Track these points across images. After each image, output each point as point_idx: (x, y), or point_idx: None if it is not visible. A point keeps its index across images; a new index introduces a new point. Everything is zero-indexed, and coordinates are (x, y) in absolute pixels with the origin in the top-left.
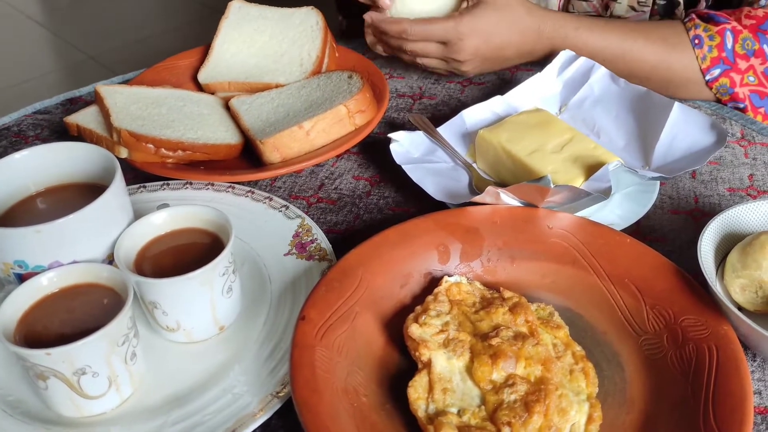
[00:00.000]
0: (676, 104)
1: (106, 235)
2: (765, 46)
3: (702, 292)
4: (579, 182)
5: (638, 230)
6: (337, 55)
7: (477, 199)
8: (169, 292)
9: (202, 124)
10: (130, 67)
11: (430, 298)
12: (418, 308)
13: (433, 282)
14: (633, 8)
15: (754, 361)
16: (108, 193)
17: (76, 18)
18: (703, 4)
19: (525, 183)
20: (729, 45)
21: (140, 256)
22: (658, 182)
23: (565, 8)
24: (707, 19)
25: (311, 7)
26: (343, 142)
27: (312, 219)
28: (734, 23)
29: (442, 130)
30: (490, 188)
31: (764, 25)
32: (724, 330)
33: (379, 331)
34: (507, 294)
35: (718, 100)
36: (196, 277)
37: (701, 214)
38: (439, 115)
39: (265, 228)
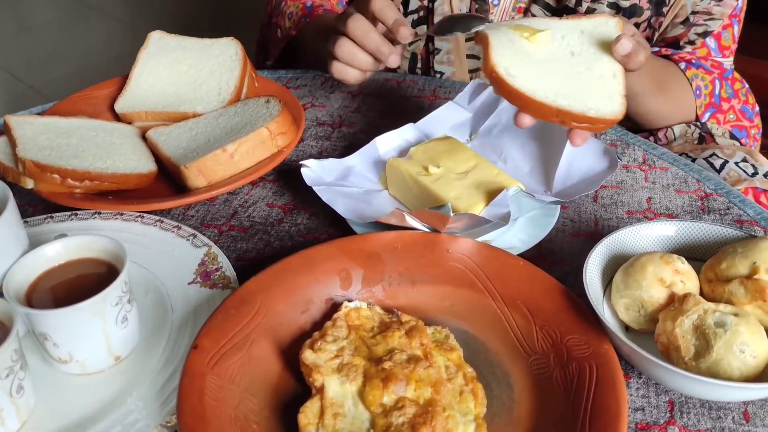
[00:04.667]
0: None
1: None
2: (737, 89)
3: (587, 312)
4: (480, 207)
5: (539, 253)
6: (256, 84)
7: (383, 219)
8: (58, 323)
9: (112, 153)
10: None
11: (328, 323)
12: (316, 334)
13: (335, 308)
14: None
15: (640, 378)
16: None
17: (20, 47)
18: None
19: (427, 209)
20: (717, 91)
21: (32, 288)
22: (559, 206)
23: None
24: (697, 66)
25: (231, 38)
26: (267, 163)
27: (222, 247)
28: (717, 71)
29: (356, 156)
30: (395, 210)
31: (726, 74)
32: (605, 349)
33: (276, 358)
34: (405, 318)
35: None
36: (85, 308)
37: (600, 236)
38: (357, 143)
39: (171, 256)
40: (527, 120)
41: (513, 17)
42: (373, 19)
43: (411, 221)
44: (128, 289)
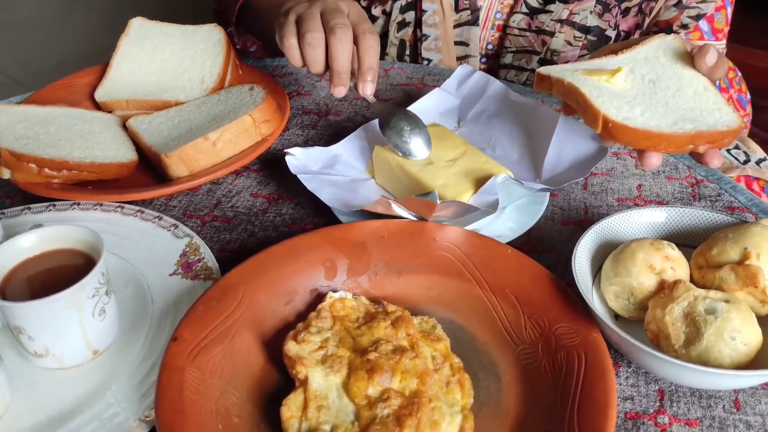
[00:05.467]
0: (561, 117)
1: None
2: (731, 78)
3: (576, 301)
4: (468, 195)
5: (528, 241)
6: (240, 72)
7: (368, 207)
8: (32, 315)
9: (91, 142)
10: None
11: (312, 314)
12: (300, 325)
13: (319, 298)
14: (569, 43)
15: (629, 366)
16: None
17: (3, 40)
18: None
19: (414, 197)
20: (717, 83)
21: (6, 280)
22: (548, 194)
23: (501, 43)
24: None
25: (214, 24)
26: (251, 152)
27: (205, 238)
28: None
29: (343, 144)
30: (381, 198)
31: None
32: (593, 337)
33: (259, 350)
34: (391, 308)
35: None
36: (60, 300)
37: (590, 224)
38: (344, 132)
39: (152, 248)
40: (655, 160)
41: (502, 2)
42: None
43: (398, 209)
44: (106, 280)
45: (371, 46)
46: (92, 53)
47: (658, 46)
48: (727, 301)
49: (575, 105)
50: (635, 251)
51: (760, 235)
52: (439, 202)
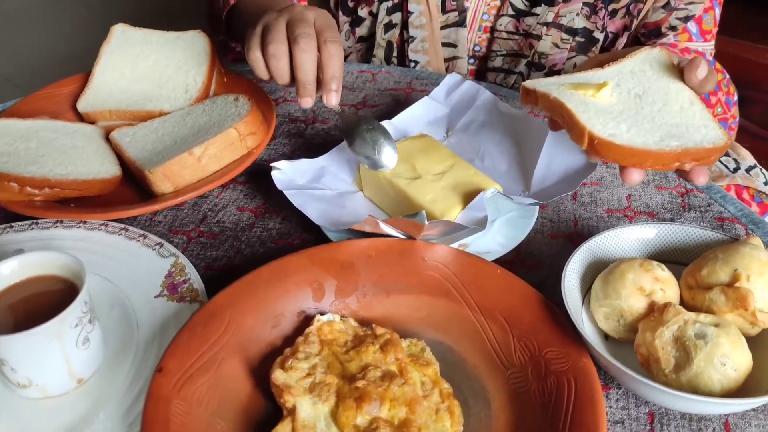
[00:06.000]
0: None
1: None
2: (718, 80)
3: (565, 323)
4: (456, 211)
5: (518, 256)
6: (225, 80)
7: (356, 227)
8: (13, 348)
9: (74, 158)
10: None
11: (300, 339)
12: (287, 351)
13: (307, 321)
14: (557, 45)
15: (620, 389)
16: None
17: None
18: (623, 43)
19: (401, 218)
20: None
21: None
22: (537, 207)
23: (489, 46)
24: None
25: (198, 30)
26: (236, 166)
27: (191, 255)
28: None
29: (330, 156)
30: (369, 217)
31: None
32: (584, 362)
33: (246, 377)
34: (379, 331)
35: None
36: (40, 333)
37: (579, 237)
38: (332, 141)
39: (137, 268)
40: (637, 176)
41: (488, 4)
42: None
43: (385, 228)
44: (89, 308)
45: (333, 55)
46: (83, 49)
47: (645, 59)
48: (717, 325)
49: (561, 120)
50: (625, 272)
51: (749, 256)
52: (426, 222)
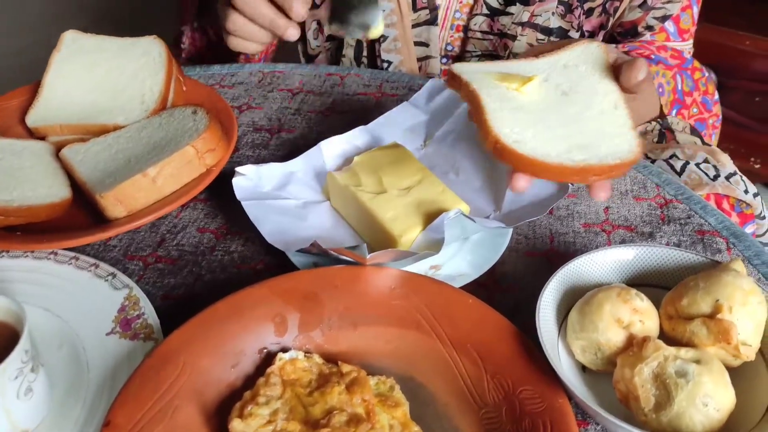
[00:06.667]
0: None
1: None
2: (696, 79)
3: (541, 359)
4: (416, 231)
5: (492, 277)
6: (184, 88)
7: (303, 250)
8: None
9: (21, 180)
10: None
11: (261, 381)
12: (247, 395)
13: (269, 358)
14: (532, 45)
15: (598, 425)
16: None
17: None
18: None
19: (344, 248)
20: (679, 86)
21: None
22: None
23: (463, 46)
24: (656, 62)
25: (154, 36)
26: (194, 186)
27: (148, 283)
28: (675, 63)
29: (300, 161)
30: (315, 243)
31: (686, 64)
32: (560, 403)
33: (203, 425)
34: (346, 368)
35: None
36: None
37: (556, 255)
38: (298, 152)
39: (87, 302)
40: (523, 183)
41: (461, 2)
42: None
43: (333, 253)
44: (31, 356)
45: None
46: (50, 37)
47: (581, 53)
48: (698, 362)
49: (474, 115)
50: (602, 303)
51: (732, 285)
52: (368, 255)
